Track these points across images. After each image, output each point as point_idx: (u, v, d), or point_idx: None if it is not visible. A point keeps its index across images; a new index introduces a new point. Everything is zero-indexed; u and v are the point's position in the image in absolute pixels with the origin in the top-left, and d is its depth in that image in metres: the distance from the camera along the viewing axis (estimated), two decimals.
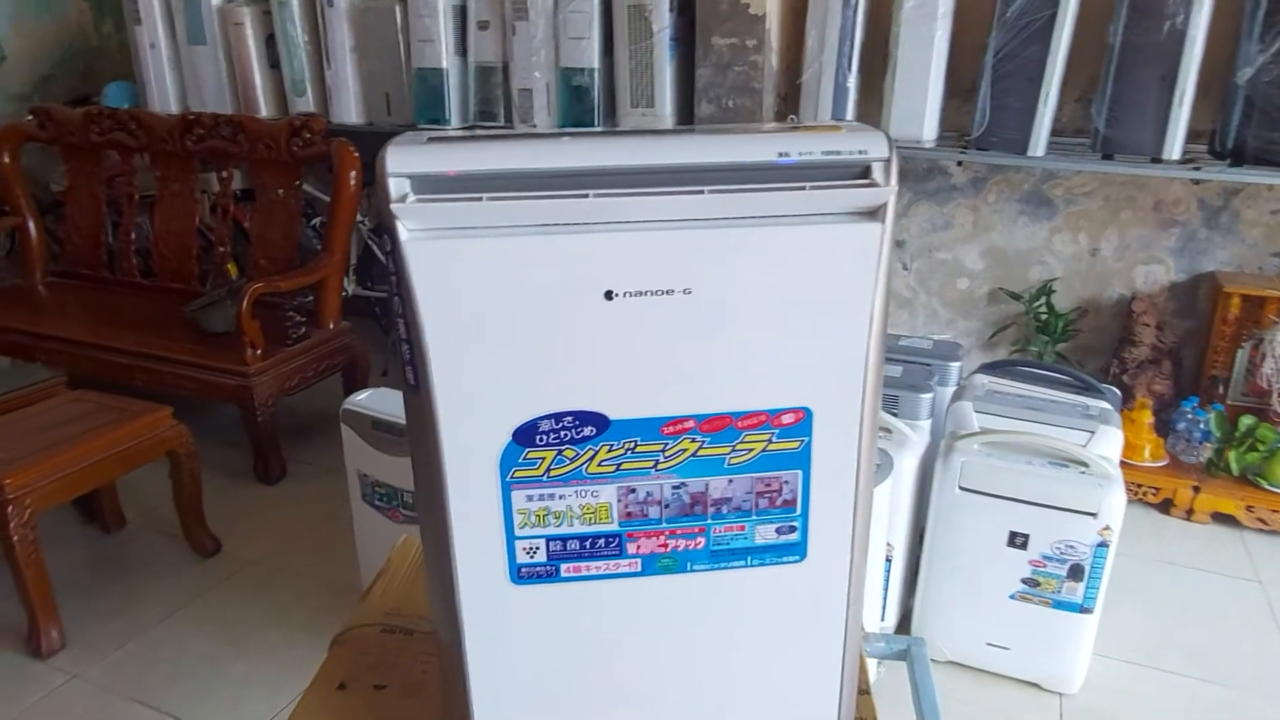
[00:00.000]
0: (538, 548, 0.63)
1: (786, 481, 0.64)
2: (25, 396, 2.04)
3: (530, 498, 0.62)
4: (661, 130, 0.64)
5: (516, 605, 0.65)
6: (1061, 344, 2.59)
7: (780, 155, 0.59)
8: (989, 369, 2.04)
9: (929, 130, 2.33)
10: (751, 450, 0.63)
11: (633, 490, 0.63)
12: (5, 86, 3.74)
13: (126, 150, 2.93)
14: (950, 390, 2.03)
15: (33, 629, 1.80)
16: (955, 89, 2.39)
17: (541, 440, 0.61)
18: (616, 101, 2.65)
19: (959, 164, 2.54)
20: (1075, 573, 1.62)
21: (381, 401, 1.77)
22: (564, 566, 0.64)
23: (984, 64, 2.19)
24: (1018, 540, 1.65)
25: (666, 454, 0.62)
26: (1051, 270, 2.62)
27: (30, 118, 3.06)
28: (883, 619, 1.81)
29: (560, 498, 0.62)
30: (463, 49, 2.81)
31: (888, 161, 0.59)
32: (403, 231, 0.56)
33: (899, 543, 1.78)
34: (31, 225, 3.07)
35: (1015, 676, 1.75)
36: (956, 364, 2.10)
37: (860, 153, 0.59)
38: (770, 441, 0.63)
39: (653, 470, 0.63)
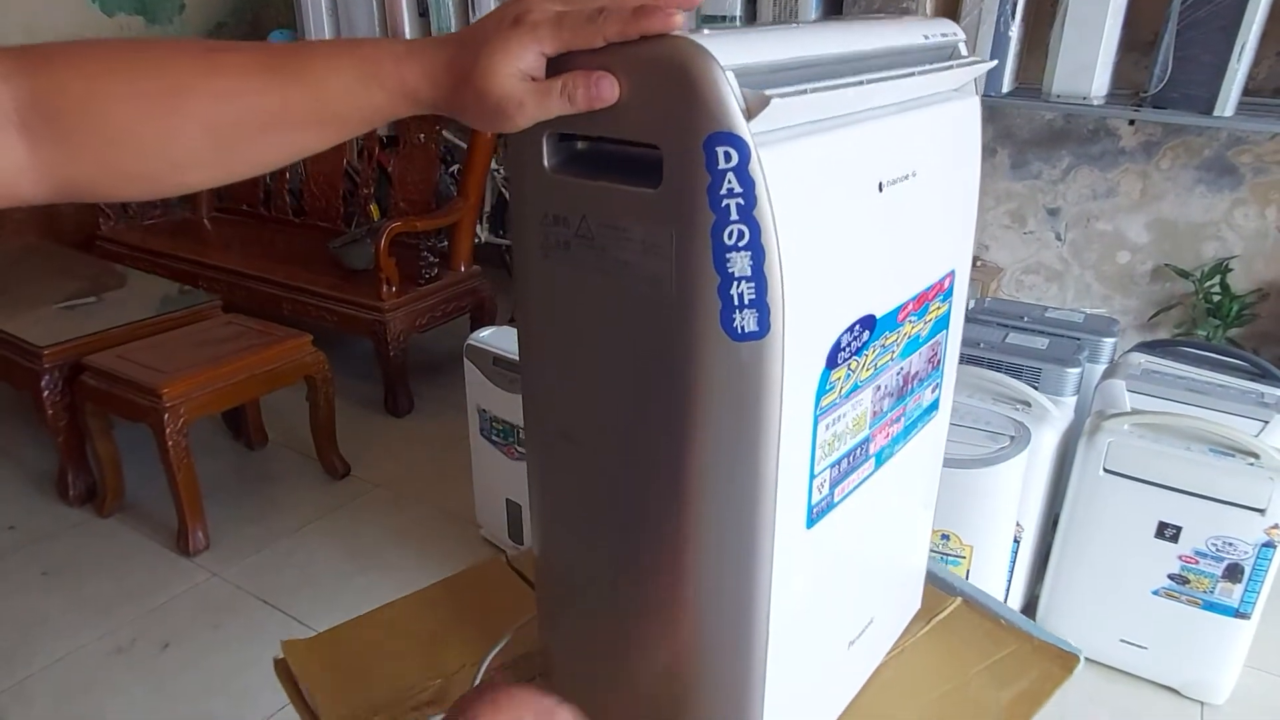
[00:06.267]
0: (825, 480, 0.57)
1: (940, 343, 0.67)
2: (186, 317, 2.19)
3: (828, 425, 0.55)
4: (834, 20, 0.69)
5: (803, 551, 0.57)
6: (1234, 329, 2.34)
7: (925, 38, 0.61)
8: (1148, 347, 1.87)
9: (1098, 86, 2.13)
10: (929, 320, 0.64)
11: (879, 387, 0.60)
12: (183, 33, 4.01)
13: None
14: (1101, 368, 1.87)
15: (181, 529, 1.95)
16: (1133, 41, 2.17)
17: (841, 358, 0.54)
18: None
19: (1130, 124, 2.32)
20: (1233, 573, 1.47)
21: (504, 339, 1.79)
22: (836, 490, 0.58)
23: (1169, 11, 1.97)
24: (1167, 532, 1.51)
25: (899, 342, 0.61)
26: (1229, 247, 2.36)
27: None
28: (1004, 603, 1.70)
29: (843, 416, 0.56)
30: None
31: (967, 41, 0.67)
32: (750, 139, 0.45)
33: (1029, 524, 1.66)
34: None
35: (1151, 679, 1.61)
36: (1110, 340, 1.93)
37: (950, 35, 0.65)
38: (938, 307, 0.65)
39: (890, 361, 0.60)
